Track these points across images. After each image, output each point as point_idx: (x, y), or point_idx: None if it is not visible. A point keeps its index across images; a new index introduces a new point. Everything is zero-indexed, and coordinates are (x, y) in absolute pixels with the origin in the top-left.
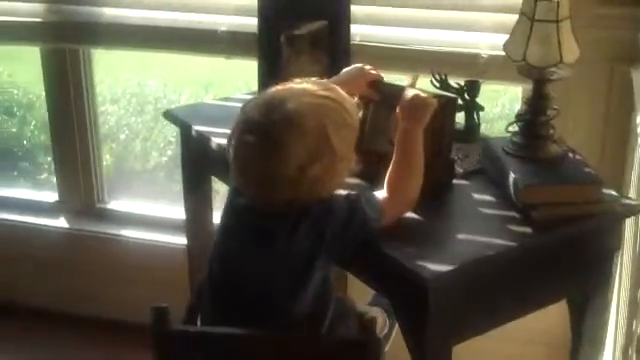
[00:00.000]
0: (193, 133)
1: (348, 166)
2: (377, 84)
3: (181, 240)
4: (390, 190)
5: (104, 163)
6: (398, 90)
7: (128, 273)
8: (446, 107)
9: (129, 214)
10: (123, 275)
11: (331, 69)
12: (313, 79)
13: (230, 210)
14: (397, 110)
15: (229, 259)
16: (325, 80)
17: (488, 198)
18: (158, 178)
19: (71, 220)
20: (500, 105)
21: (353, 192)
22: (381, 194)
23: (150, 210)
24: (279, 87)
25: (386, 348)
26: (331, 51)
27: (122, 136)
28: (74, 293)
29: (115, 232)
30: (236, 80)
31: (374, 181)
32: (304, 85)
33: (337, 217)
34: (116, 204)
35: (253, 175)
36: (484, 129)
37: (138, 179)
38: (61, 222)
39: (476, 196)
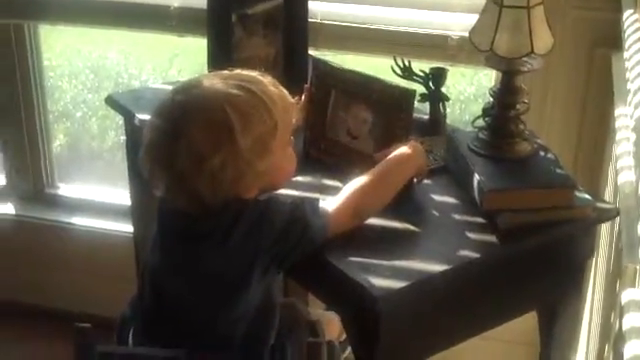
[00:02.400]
0: (136, 121)
1: (259, 171)
2: (327, 69)
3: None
4: (346, 200)
5: (57, 144)
6: (357, 77)
7: (78, 262)
8: (403, 101)
9: (81, 200)
10: (73, 264)
11: (287, 51)
12: (248, 72)
13: (158, 214)
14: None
15: (157, 269)
16: (261, 74)
17: (451, 200)
18: (115, 160)
19: (18, 206)
20: (476, 83)
21: (296, 198)
22: (331, 203)
23: (103, 196)
24: (207, 73)
25: (345, 354)
26: (287, 32)
27: (79, 114)
28: (21, 282)
29: (65, 219)
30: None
31: (333, 173)
32: (230, 73)
33: (275, 223)
34: (67, 189)
35: (157, 162)
36: (458, 110)
37: (93, 161)
38: (8, 208)
39: (438, 198)
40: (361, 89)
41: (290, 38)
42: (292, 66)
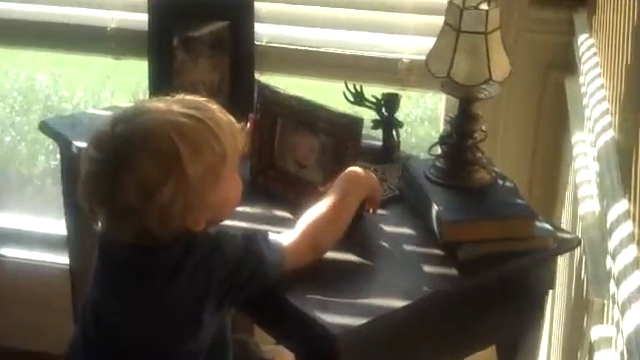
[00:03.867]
0: (73, 149)
1: (210, 201)
2: (273, 96)
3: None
4: (302, 234)
5: None
6: (303, 104)
7: (8, 296)
8: (350, 129)
9: (11, 230)
10: (4, 298)
11: (233, 75)
12: (194, 98)
13: (99, 247)
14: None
15: (100, 306)
16: (207, 100)
17: (407, 231)
18: (46, 186)
19: None
20: (422, 106)
21: (249, 231)
22: (286, 237)
23: (36, 225)
24: (149, 100)
25: None
26: (233, 55)
27: (7, 138)
28: None
29: None
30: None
31: (282, 203)
32: (175, 99)
33: (227, 256)
34: None
35: (97, 197)
36: (404, 134)
37: (23, 187)
38: None
39: (393, 229)
40: (307, 117)
41: (236, 62)
42: (238, 91)
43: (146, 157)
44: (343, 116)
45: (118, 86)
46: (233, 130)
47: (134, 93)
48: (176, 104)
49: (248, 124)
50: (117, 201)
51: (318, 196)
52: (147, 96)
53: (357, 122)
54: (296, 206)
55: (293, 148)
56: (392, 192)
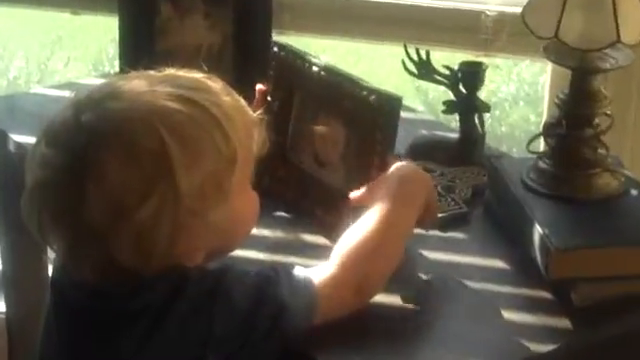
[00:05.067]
0: (10, 146)
1: (210, 225)
2: (289, 60)
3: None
4: (341, 270)
5: None
6: (327, 75)
7: None
8: (380, 113)
9: None
10: None
11: (240, 36)
12: (190, 74)
13: (52, 288)
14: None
15: None
16: (209, 76)
17: (492, 263)
18: None
19: None
20: (516, 80)
21: (264, 267)
22: (318, 273)
23: None
24: (123, 76)
25: None
26: (239, 7)
27: None
28: None
29: None
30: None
31: (299, 218)
32: (161, 76)
33: (235, 303)
34: None
35: (51, 214)
36: (490, 119)
37: None
38: None
39: (468, 259)
40: (332, 93)
41: (244, 16)
42: (247, 61)
43: (122, 160)
44: (373, 92)
45: (74, 52)
46: (247, 121)
47: (96, 63)
48: (164, 83)
49: (256, 97)
50: (80, 222)
51: (344, 209)
52: (117, 69)
53: (392, 102)
54: (322, 223)
55: (312, 137)
56: (457, 208)
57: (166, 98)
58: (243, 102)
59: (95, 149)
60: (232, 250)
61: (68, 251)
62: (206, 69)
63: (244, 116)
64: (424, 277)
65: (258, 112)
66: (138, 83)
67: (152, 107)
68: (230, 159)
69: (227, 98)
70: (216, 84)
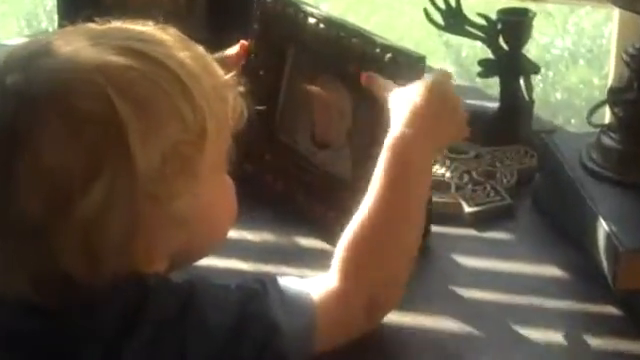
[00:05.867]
0: None
1: (175, 217)
2: (280, 7)
3: None
4: (345, 279)
5: None
6: (330, 28)
7: None
8: (403, 74)
9: None
10: None
11: None
12: (135, 26)
13: None
14: (387, 95)
15: None
16: (161, 27)
17: (542, 269)
18: None
19: None
20: (573, 32)
21: (246, 278)
22: (317, 285)
23: None
24: (59, 31)
25: None
26: None
27: None
28: None
29: None
30: None
31: (289, 211)
32: (106, 28)
33: (210, 327)
34: None
35: None
36: (541, 84)
37: None
38: None
39: (512, 264)
40: (335, 52)
41: None
42: (224, 11)
43: (59, 130)
44: (389, 50)
45: (2, 6)
46: (217, 84)
47: (30, 18)
48: (107, 36)
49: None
50: (11, 216)
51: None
52: (56, 25)
53: (413, 62)
54: (322, 222)
55: (309, 109)
56: (499, 199)
57: (112, 52)
58: (209, 58)
59: (24, 118)
60: (202, 255)
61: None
62: (162, 22)
63: (212, 76)
64: None
65: (234, 73)
66: (75, 37)
67: (95, 63)
68: (198, 130)
69: (187, 52)
70: (171, 36)
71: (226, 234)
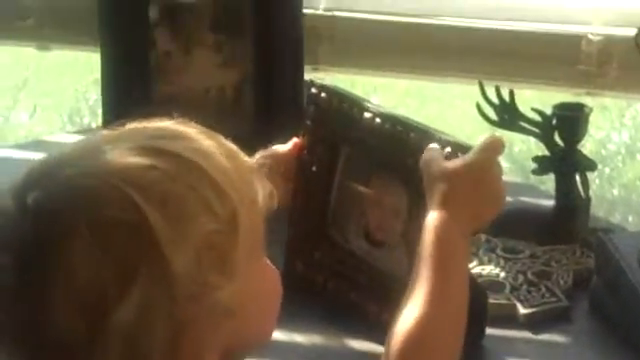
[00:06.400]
0: None
1: (223, 311)
2: (334, 106)
3: None
4: None
5: None
6: (387, 124)
7: None
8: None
9: None
10: None
11: (262, 74)
12: (157, 124)
13: None
14: (430, 175)
15: None
16: (182, 121)
17: None
18: None
19: None
20: (630, 126)
21: None
22: None
23: None
24: (85, 138)
25: None
26: (260, 38)
27: None
28: None
29: None
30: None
31: (339, 309)
32: (126, 130)
33: None
34: None
35: (8, 336)
36: (597, 180)
37: None
38: None
39: None
40: (391, 148)
41: (268, 49)
42: (274, 107)
43: (86, 242)
44: (447, 144)
45: (43, 99)
46: (243, 171)
47: (72, 113)
48: (124, 138)
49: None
50: (48, 338)
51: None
52: (100, 121)
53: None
54: (376, 323)
55: (363, 206)
56: (555, 301)
57: (131, 154)
58: (232, 145)
59: (50, 236)
60: (254, 346)
61: None
62: (215, 114)
63: (237, 162)
64: None
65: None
66: (89, 143)
67: (116, 167)
68: (228, 217)
69: (210, 142)
70: (192, 128)
71: (273, 321)
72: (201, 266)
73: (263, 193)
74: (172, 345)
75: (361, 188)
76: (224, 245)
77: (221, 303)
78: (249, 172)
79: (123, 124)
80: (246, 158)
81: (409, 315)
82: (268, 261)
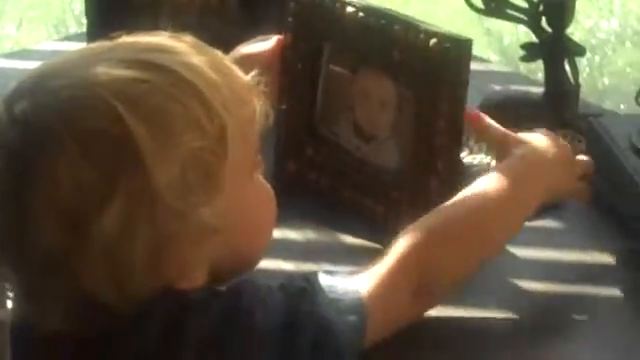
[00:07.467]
0: None
1: (205, 227)
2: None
3: None
4: (397, 257)
5: None
6: (371, 17)
7: None
8: (449, 59)
9: None
10: None
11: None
12: (145, 37)
13: (10, 340)
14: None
15: None
16: (173, 35)
17: (592, 259)
18: None
19: None
20: (620, 10)
21: (288, 277)
22: (368, 278)
23: None
24: (74, 50)
25: None
26: None
27: None
28: None
29: None
30: None
31: (333, 205)
32: (114, 44)
33: (260, 333)
34: None
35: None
36: (587, 69)
37: None
38: None
39: (559, 256)
40: (375, 41)
41: None
42: (258, 6)
43: (71, 153)
44: (433, 35)
45: (29, 11)
46: (237, 87)
47: (58, 24)
48: (114, 50)
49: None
50: (29, 249)
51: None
52: (85, 29)
53: (459, 45)
54: (370, 217)
55: (350, 100)
56: None
57: (119, 66)
58: (228, 60)
59: (35, 145)
60: (249, 265)
61: (27, 293)
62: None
63: (231, 78)
64: None
65: (259, 73)
66: (82, 56)
67: (102, 79)
68: (217, 135)
69: (203, 57)
70: (185, 43)
71: (268, 240)
72: (185, 182)
73: (259, 111)
74: (154, 259)
75: (348, 83)
76: (211, 162)
77: (205, 220)
78: (244, 89)
79: (110, 33)
80: (242, 74)
81: (450, 207)
82: (261, 178)
